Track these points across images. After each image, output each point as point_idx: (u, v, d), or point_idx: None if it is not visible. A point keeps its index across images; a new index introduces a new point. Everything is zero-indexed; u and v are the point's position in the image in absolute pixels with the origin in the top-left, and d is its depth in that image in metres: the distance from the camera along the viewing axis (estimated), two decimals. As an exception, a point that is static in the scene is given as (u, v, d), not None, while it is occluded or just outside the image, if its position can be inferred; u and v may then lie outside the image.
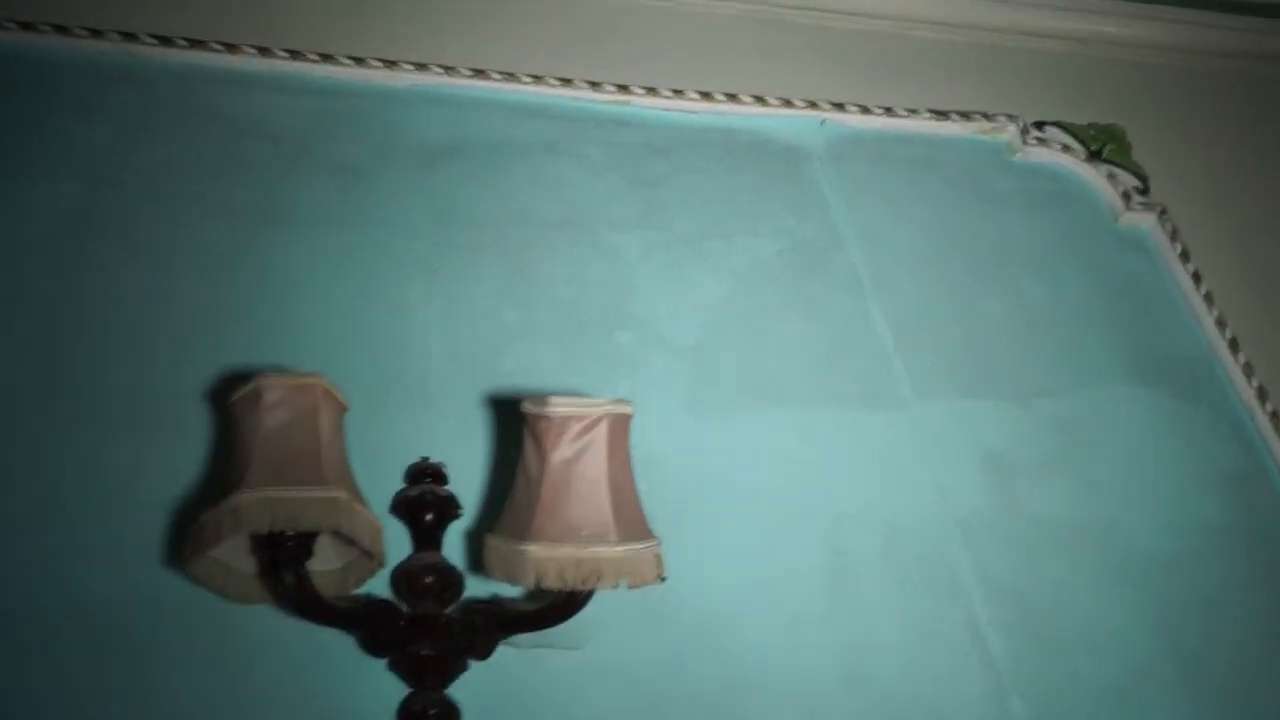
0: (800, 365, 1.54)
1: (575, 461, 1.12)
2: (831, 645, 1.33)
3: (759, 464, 1.44)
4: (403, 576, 1.18)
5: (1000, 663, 1.35)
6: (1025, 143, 1.90)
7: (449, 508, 1.26)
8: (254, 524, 1.02)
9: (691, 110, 1.74)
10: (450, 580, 1.20)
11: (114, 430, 1.25)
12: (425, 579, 1.18)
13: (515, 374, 1.41)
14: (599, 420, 1.13)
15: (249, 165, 1.49)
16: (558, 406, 1.13)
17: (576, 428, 1.13)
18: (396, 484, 1.27)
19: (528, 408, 1.15)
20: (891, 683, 1.32)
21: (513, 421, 1.34)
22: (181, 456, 1.24)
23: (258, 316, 1.37)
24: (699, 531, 1.34)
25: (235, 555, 1.11)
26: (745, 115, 1.77)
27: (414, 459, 1.29)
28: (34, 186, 1.40)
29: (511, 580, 1.12)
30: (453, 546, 1.24)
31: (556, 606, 1.13)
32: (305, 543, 1.07)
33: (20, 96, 1.48)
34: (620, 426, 1.15)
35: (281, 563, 1.06)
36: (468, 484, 1.30)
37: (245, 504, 1.02)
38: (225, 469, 1.10)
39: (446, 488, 1.27)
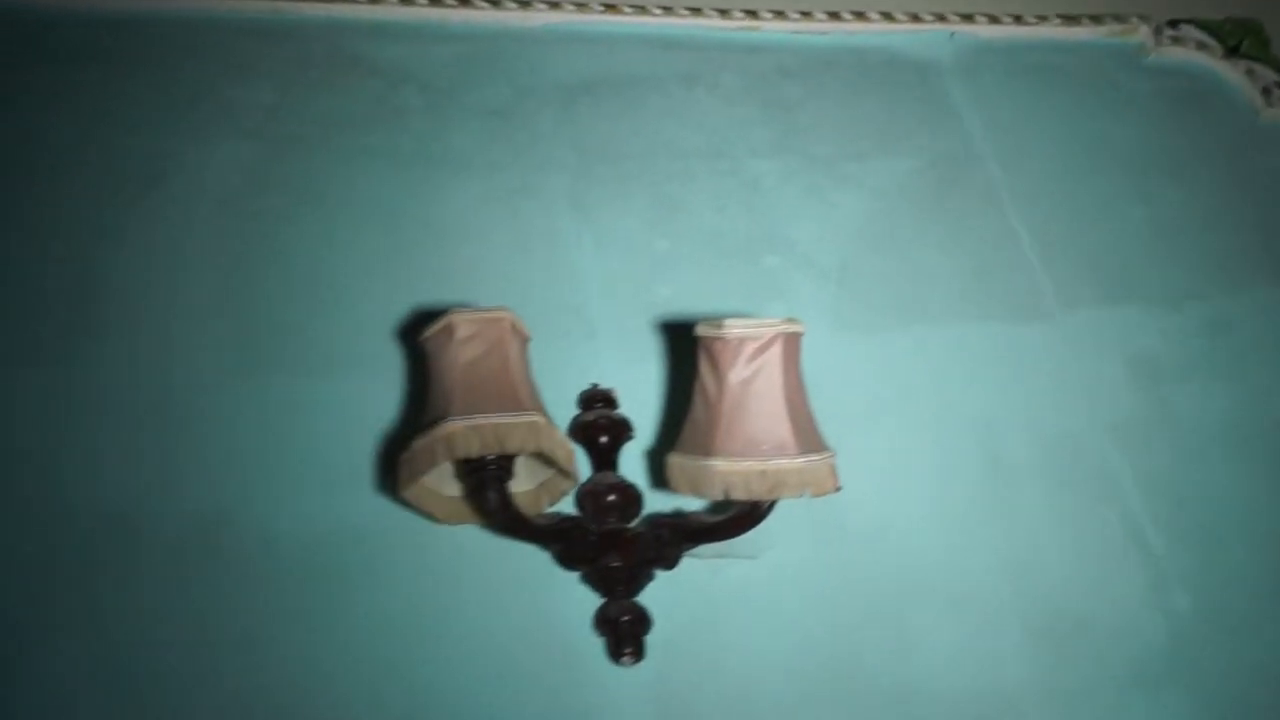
0: (945, 281, 1.56)
1: (752, 380, 1.17)
2: (994, 549, 1.37)
3: (910, 379, 1.48)
4: (587, 496, 1.25)
5: (1161, 558, 1.39)
6: (1159, 43, 1.86)
7: (622, 430, 1.32)
8: (464, 449, 1.09)
9: (821, 31, 1.75)
10: (630, 497, 1.26)
11: (309, 372, 1.33)
12: (608, 497, 1.25)
13: (671, 301, 1.46)
14: (773, 339, 1.17)
15: (403, 113, 1.55)
16: (732, 328, 1.17)
17: (752, 348, 1.17)
18: (568, 410, 1.33)
19: (703, 331, 1.20)
20: (1055, 581, 1.36)
21: (675, 345, 1.41)
22: (374, 392, 1.33)
23: (426, 258, 1.44)
24: (857, 445, 1.36)
25: (440, 480, 1.20)
26: (873, 33, 1.77)
27: (582, 386, 1.36)
28: (209, 147, 1.48)
29: (698, 494, 1.18)
30: (631, 466, 1.31)
31: (741, 518, 1.19)
32: (506, 465, 1.15)
33: (182, 60, 1.55)
34: (793, 344, 1.19)
35: (487, 484, 1.14)
36: (636, 406, 1.36)
37: (456, 431, 1.09)
38: (427, 400, 1.17)
39: (618, 411, 1.34)
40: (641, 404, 1.37)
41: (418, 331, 1.21)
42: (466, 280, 1.42)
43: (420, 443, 1.12)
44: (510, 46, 1.65)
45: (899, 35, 1.78)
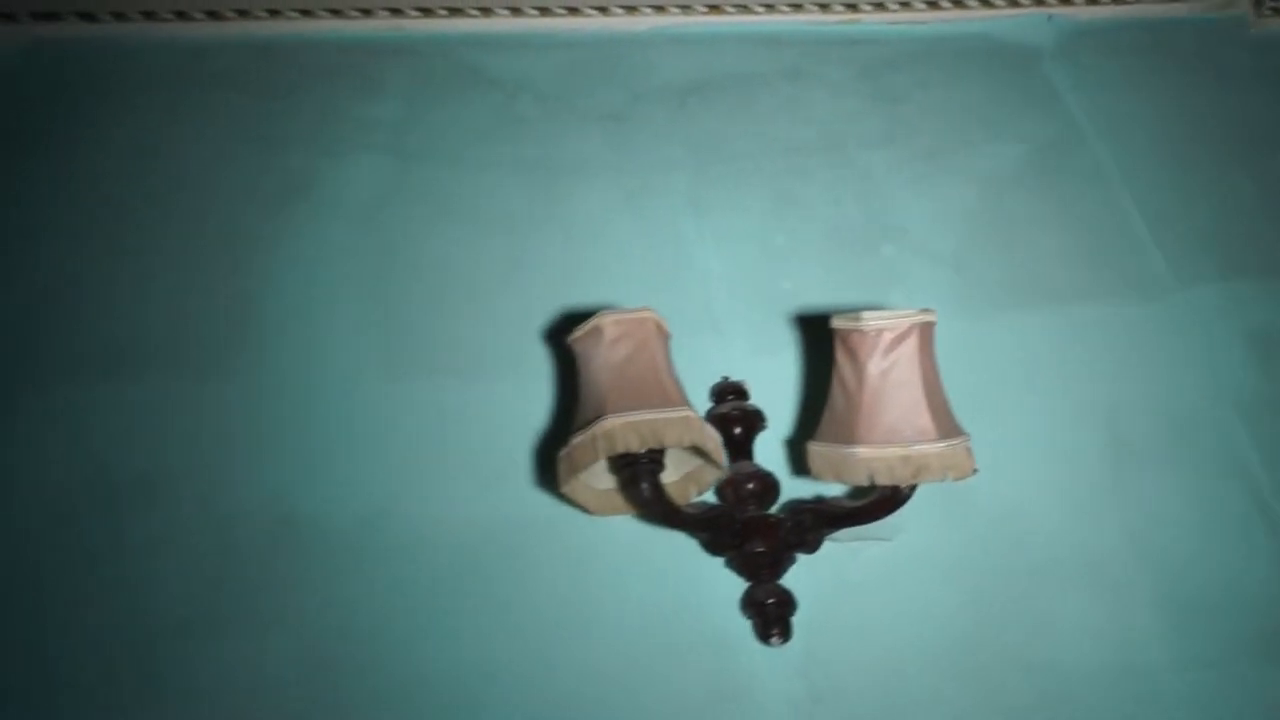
0: (1059, 263, 1.58)
1: (891, 370, 1.21)
2: (1123, 527, 1.39)
3: (1030, 362, 1.50)
4: (727, 485, 1.31)
5: (1291, 533, 1.41)
6: (1260, 15, 1.86)
7: (755, 420, 1.37)
8: (624, 444, 1.15)
9: (920, 21, 1.78)
10: (768, 485, 1.32)
11: (458, 374, 1.41)
12: (748, 485, 1.30)
13: (793, 294, 1.51)
14: (910, 330, 1.21)
15: (523, 122, 1.62)
16: (870, 320, 1.21)
17: (889, 338, 1.21)
18: (700, 403, 1.39)
19: (840, 323, 1.24)
20: (1184, 557, 1.38)
21: (801, 336, 1.45)
22: (521, 391, 1.40)
23: (557, 261, 1.51)
24: (980, 428, 1.40)
25: (592, 474, 1.26)
26: (972, 20, 1.79)
27: (713, 379, 1.41)
28: (344, 162, 1.56)
29: (841, 480, 1.23)
30: (765, 454, 1.36)
31: (882, 502, 1.23)
32: (658, 458, 1.20)
33: (314, 80, 1.64)
34: (927, 333, 1.23)
35: (641, 477, 1.20)
36: (766, 397, 1.40)
37: (615, 428, 1.15)
38: (580, 399, 1.23)
39: (750, 402, 1.39)
40: (771, 394, 1.42)
41: (557, 332, 1.28)
42: (598, 281, 1.49)
43: (579, 440, 1.18)
44: (619, 51, 1.70)
45: (998, 21, 1.80)
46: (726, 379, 1.41)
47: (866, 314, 1.22)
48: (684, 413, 1.18)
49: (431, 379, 1.41)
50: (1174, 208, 1.64)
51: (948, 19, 1.78)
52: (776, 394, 1.43)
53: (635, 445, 1.15)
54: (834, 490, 1.34)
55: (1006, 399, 1.47)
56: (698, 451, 1.23)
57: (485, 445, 1.37)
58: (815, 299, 1.50)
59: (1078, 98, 1.74)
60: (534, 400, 1.39)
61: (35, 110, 1.58)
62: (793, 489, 1.35)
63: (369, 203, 1.53)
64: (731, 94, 1.68)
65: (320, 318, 1.44)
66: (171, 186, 1.54)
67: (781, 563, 1.29)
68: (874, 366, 1.21)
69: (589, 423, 1.18)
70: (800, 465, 1.30)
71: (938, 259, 1.57)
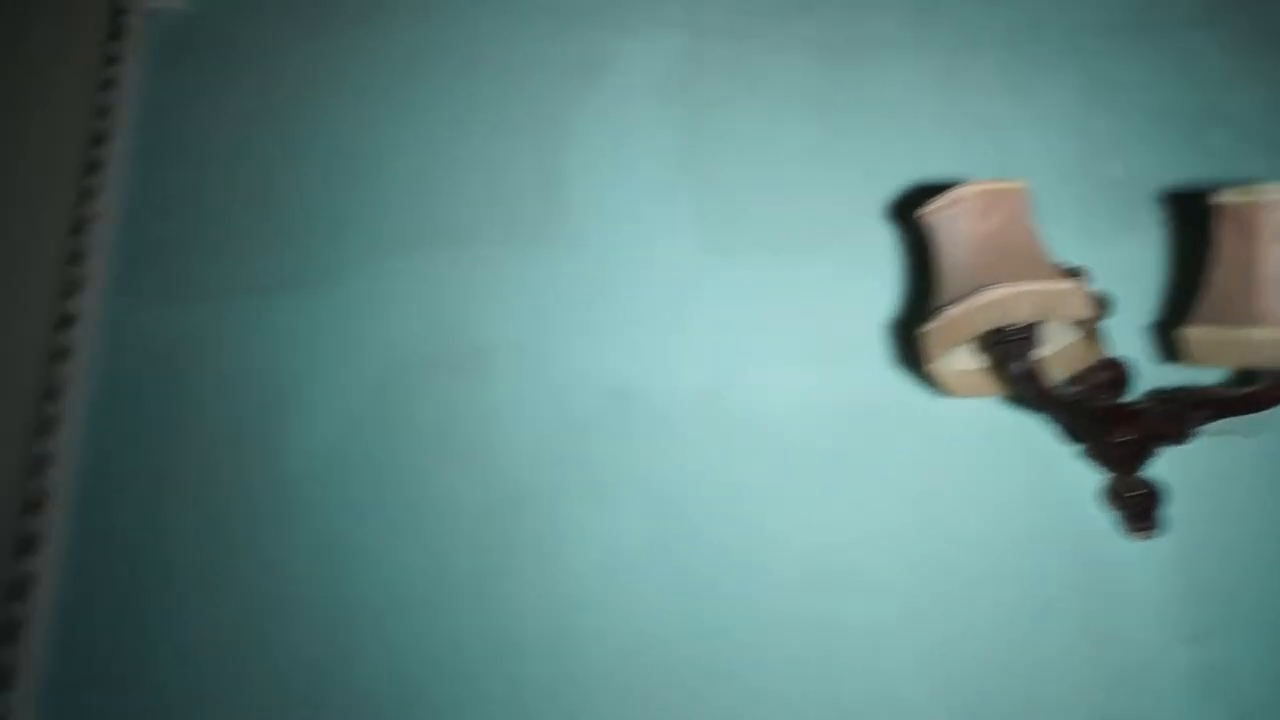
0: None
1: (1290, 247, 1.12)
2: None
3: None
4: (1082, 373, 1.23)
5: None
6: None
7: (1104, 306, 1.29)
8: (1015, 314, 1.08)
9: (1238, -105, 1.64)
10: (1122, 372, 1.24)
11: (779, 251, 1.36)
12: (1102, 373, 1.23)
13: (1120, 179, 1.42)
14: (1309, 205, 1.12)
15: (826, 1, 1.54)
16: (1272, 192, 1.12)
17: (1284, 213, 1.12)
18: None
19: (1231, 198, 1.16)
20: None
21: (1139, 222, 1.37)
22: (846, 270, 1.34)
23: (864, 142, 1.43)
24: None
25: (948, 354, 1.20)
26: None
27: (1047, 265, 1.33)
28: (639, 38, 1.50)
29: (1233, 364, 1.15)
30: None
31: (1271, 391, 1.15)
32: (1031, 335, 1.13)
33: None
34: (1328, 210, 1.14)
35: (1019, 352, 1.13)
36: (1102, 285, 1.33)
37: (1007, 297, 1.08)
38: (942, 273, 1.16)
39: (1095, 288, 1.31)
40: (1107, 282, 1.34)
41: (880, 210, 1.22)
42: (909, 163, 1.41)
43: (956, 311, 1.11)
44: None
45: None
46: (1063, 264, 1.33)
47: (1266, 187, 1.13)
48: (1072, 285, 1.11)
49: (751, 256, 1.36)
50: None
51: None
52: (1115, 281, 1.34)
53: (1026, 315, 1.09)
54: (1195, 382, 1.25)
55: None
56: (1072, 330, 1.15)
57: (816, 324, 1.32)
58: (1141, 186, 1.41)
59: None
60: (858, 279, 1.34)
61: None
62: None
63: (669, 79, 1.47)
64: (1040, -30, 1.57)
65: (633, 193, 1.40)
66: (470, 60, 1.49)
67: (1146, 453, 1.22)
68: (1276, 242, 1.12)
69: (965, 295, 1.11)
70: (1164, 352, 1.22)
71: (1272, 145, 1.46)
